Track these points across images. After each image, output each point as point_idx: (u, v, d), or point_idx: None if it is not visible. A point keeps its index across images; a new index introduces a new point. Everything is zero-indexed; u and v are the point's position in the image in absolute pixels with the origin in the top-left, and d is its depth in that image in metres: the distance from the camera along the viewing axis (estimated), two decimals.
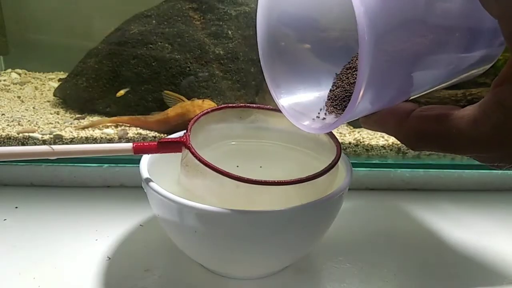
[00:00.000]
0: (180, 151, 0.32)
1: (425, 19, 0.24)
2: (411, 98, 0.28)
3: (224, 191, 0.30)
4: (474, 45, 0.28)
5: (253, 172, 0.37)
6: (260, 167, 0.40)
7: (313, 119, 0.31)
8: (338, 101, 0.31)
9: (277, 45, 0.33)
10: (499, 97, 0.22)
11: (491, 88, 0.22)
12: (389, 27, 0.23)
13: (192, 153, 0.30)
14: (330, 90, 0.33)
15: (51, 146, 0.30)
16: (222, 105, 0.37)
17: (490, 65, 0.30)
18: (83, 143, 0.50)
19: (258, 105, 0.38)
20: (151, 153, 0.32)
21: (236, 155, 0.40)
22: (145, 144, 0.32)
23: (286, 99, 0.33)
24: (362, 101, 0.24)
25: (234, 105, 0.38)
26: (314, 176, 0.30)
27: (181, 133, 0.39)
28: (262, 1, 0.31)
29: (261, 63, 0.33)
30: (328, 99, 0.33)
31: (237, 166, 0.37)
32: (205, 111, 0.36)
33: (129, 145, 0.31)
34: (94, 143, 0.50)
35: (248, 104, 0.38)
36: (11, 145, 0.50)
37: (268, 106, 0.38)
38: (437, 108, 0.25)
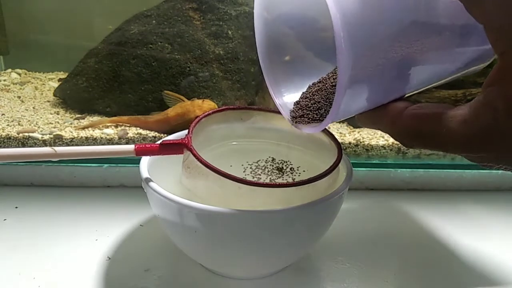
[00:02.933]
0: (182, 153, 0.32)
1: (412, 24, 0.24)
2: (408, 95, 0.28)
3: (225, 192, 0.30)
4: (468, 43, 0.28)
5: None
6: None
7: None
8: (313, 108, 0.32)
9: (276, 45, 0.33)
10: (488, 99, 0.22)
11: (482, 88, 0.23)
12: (370, 36, 0.23)
13: (194, 155, 0.31)
14: (309, 94, 0.33)
15: (54, 148, 0.30)
16: (223, 107, 0.37)
17: (490, 60, 0.30)
18: (83, 143, 0.50)
19: (259, 107, 0.39)
20: (152, 155, 0.32)
21: (237, 154, 0.40)
22: (146, 145, 0.32)
23: (286, 98, 0.33)
24: (347, 103, 0.24)
25: (235, 107, 0.38)
26: (315, 178, 0.30)
27: (181, 134, 0.39)
28: (259, 1, 0.31)
29: (260, 63, 0.33)
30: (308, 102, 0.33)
31: (231, 166, 0.37)
32: (206, 113, 0.36)
33: (131, 147, 0.31)
34: (94, 143, 0.50)
35: (249, 106, 0.38)
36: (11, 145, 0.50)
37: (269, 108, 0.38)
38: (430, 107, 0.25)
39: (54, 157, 0.30)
